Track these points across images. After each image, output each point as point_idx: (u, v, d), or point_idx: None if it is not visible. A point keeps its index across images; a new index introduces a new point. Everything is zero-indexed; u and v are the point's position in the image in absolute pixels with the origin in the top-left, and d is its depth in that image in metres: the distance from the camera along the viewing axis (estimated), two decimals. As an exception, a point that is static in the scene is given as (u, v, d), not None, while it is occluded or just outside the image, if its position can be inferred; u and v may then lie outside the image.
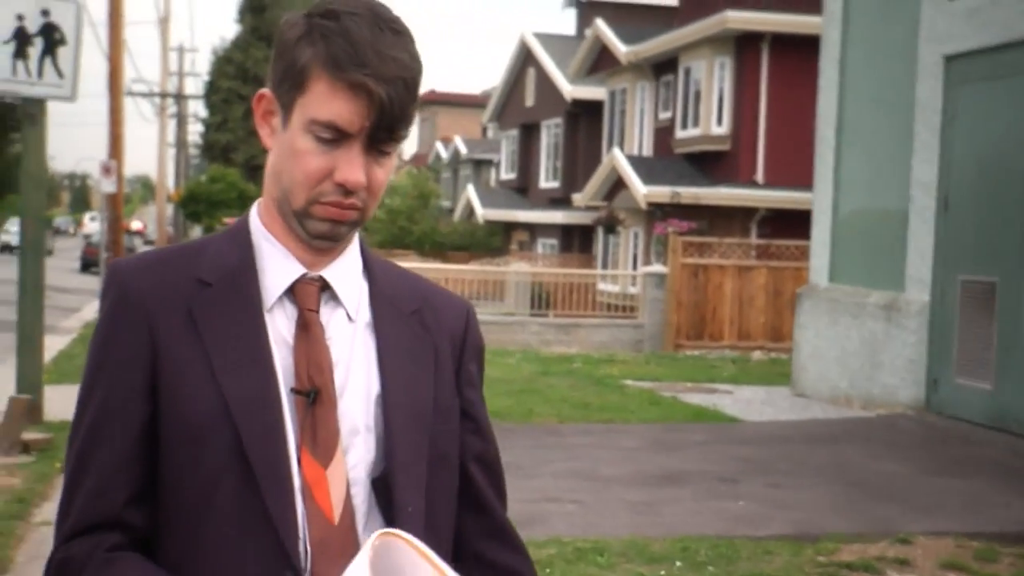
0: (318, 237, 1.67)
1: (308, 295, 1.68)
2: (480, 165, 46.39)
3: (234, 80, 52.69)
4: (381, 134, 1.61)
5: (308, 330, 1.67)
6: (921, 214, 13.18)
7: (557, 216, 33.47)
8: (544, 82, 35.43)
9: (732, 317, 21.10)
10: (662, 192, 24.37)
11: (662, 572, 6.81)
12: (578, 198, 29.69)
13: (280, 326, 1.67)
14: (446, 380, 1.76)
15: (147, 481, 1.64)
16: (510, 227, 37.33)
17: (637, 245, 27.30)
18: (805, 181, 18.61)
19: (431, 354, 1.76)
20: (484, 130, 48.87)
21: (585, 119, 33.39)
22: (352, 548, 1.60)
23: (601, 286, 26.36)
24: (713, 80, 25.12)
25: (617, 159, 26.28)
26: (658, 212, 24.64)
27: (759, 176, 24.63)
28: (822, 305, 14.91)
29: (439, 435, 1.73)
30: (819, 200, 15.32)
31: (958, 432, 11.82)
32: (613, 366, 17.67)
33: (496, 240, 36.98)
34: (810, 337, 15.09)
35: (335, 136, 1.60)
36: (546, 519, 7.87)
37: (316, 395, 1.63)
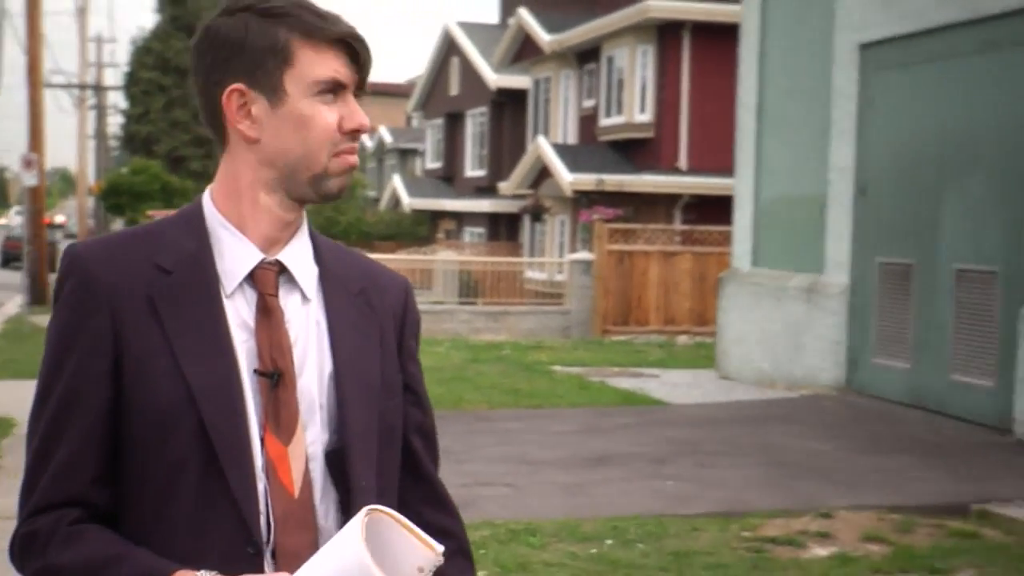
0: (335, 195, 1.79)
1: (267, 280, 1.77)
2: (405, 155, 46.35)
3: (154, 71, 52.01)
4: (363, 81, 1.79)
5: (269, 314, 1.75)
6: (839, 199, 13.51)
7: (484, 204, 33.60)
8: (468, 71, 35.51)
9: (658, 302, 21.39)
10: (587, 180, 24.60)
11: (593, 550, 6.99)
12: (504, 186, 29.86)
13: (241, 310, 1.75)
14: (391, 356, 1.87)
15: (109, 463, 1.71)
16: (436, 216, 37.39)
17: (563, 232, 27.53)
18: (728, 167, 18.94)
19: (377, 332, 1.86)
20: (409, 119, 48.83)
21: (510, 108, 33.53)
22: (311, 520, 1.73)
23: (528, 274, 26.56)
24: (636, 68, 25.40)
25: (542, 147, 26.47)
26: (584, 199, 24.88)
27: (682, 163, 24.96)
28: (745, 289, 15.21)
29: (387, 410, 1.83)
30: (740, 186, 15.61)
31: (878, 410, 12.17)
32: (542, 352, 17.86)
33: (423, 229, 37.03)
34: (734, 321, 15.39)
35: (335, 91, 1.75)
36: (479, 503, 8.01)
37: (279, 377, 1.73)
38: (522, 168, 27.77)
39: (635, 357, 17.64)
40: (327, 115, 1.75)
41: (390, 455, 1.85)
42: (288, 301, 1.79)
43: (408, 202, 36.99)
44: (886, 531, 7.61)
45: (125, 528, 1.71)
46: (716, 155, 23.62)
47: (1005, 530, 7.73)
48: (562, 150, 26.52)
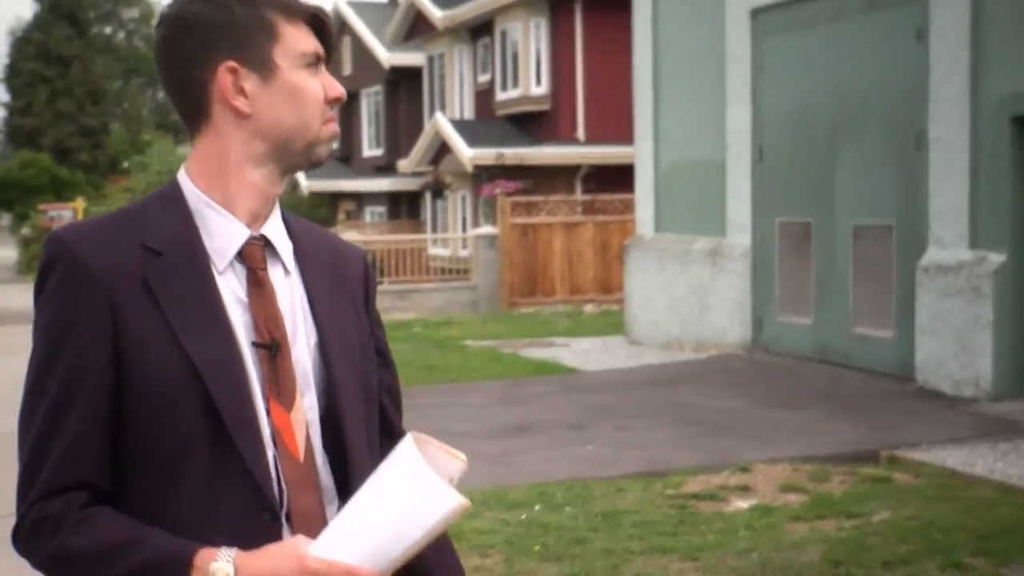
0: (323, 160, 1.90)
1: (255, 255, 1.84)
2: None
3: (37, 61, 50.79)
4: (330, 54, 1.91)
5: (261, 288, 1.83)
6: (738, 162, 13.80)
7: (383, 184, 33.49)
8: (361, 50, 35.30)
9: (563, 273, 21.60)
10: (487, 154, 24.69)
11: (523, 516, 7.13)
12: (403, 164, 29.79)
13: (233, 286, 1.82)
14: (363, 322, 1.98)
15: (112, 445, 1.74)
16: (336, 197, 37.17)
17: (465, 208, 27.60)
18: (625, 136, 19.16)
19: (350, 300, 1.96)
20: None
21: (405, 85, 33.43)
22: (315, 481, 1.82)
23: (432, 250, 26.60)
24: (530, 41, 25.51)
25: (440, 123, 26.48)
26: (484, 174, 24.96)
27: (580, 134, 25.17)
28: (650, 255, 15.47)
29: (365, 372, 1.94)
30: (640, 154, 15.84)
31: (784, 367, 12.50)
32: (452, 328, 17.96)
33: (322, 211, 36.80)
34: (640, 286, 15.64)
35: (316, 63, 1.86)
36: (406, 477, 8.08)
37: (277, 348, 1.80)
38: (421, 145, 27.75)
39: (544, 328, 17.83)
40: (315, 85, 1.86)
41: (371, 415, 1.95)
42: (273, 274, 1.87)
43: (306, 184, 36.69)
44: (802, 481, 7.88)
45: (130, 508, 1.74)
46: (613, 125, 23.86)
47: (914, 473, 8.05)
48: (460, 126, 26.56)
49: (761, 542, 6.53)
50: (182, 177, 1.87)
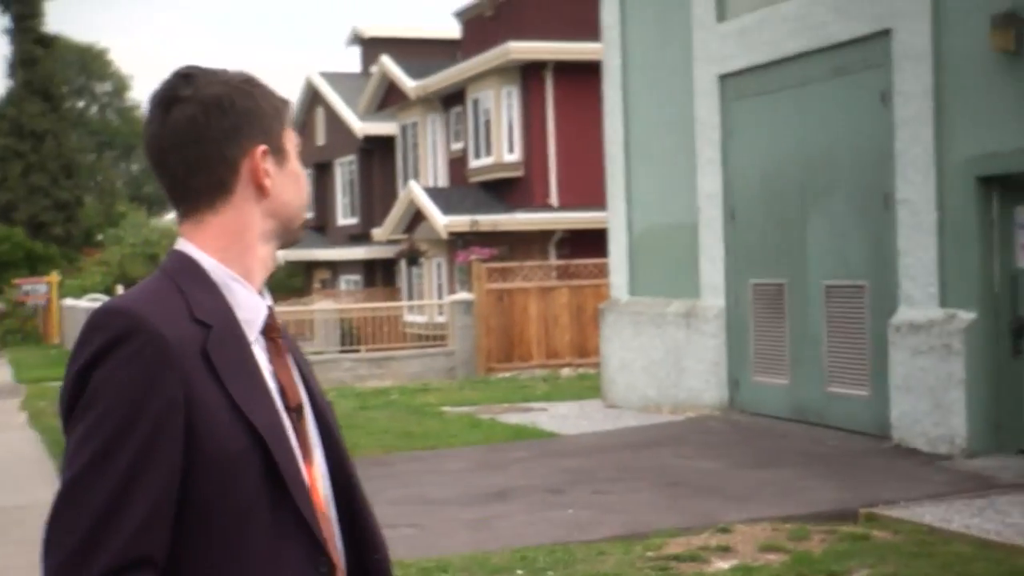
0: (300, 238, 2.06)
1: (274, 325, 1.96)
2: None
3: (10, 137, 50.79)
4: None
5: (282, 355, 1.95)
6: (710, 224, 13.96)
7: (358, 252, 33.59)
8: (334, 120, 35.56)
9: (539, 337, 21.67)
10: (461, 221, 24.85)
11: (506, 581, 7.13)
12: (378, 233, 29.92)
13: (260, 355, 1.92)
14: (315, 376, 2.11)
15: (174, 517, 1.78)
16: (311, 266, 37.24)
17: (441, 275, 27.70)
18: (598, 201, 19.34)
19: (304, 360, 2.07)
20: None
21: (379, 154, 33.66)
22: (334, 532, 1.94)
23: (408, 317, 26.65)
24: (502, 109, 25.79)
25: (415, 191, 26.66)
26: (459, 241, 25.10)
27: (553, 199, 25.38)
28: (625, 318, 15.57)
29: (337, 425, 2.07)
30: (614, 219, 16.00)
31: (761, 427, 12.57)
32: (429, 394, 17.96)
33: (297, 280, 36.85)
34: (616, 350, 15.72)
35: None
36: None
37: (301, 410, 1.93)
38: (395, 213, 27.91)
39: (522, 392, 17.86)
40: (303, 172, 2.06)
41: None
42: (284, 343, 2.00)
43: (281, 254, 36.78)
44: (782, 540, 7.92)
45: (192, 572, 1.78)
46: (586, 190, 24.09)
47: (893, 530, 8.11)
48: (434, 193, 26.75)
49: (743, 602, 6.55)
50: (193, 252, 1.93)
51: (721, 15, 13.73)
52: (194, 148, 1.91)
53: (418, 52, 32.64)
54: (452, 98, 28.28)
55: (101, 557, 1.71)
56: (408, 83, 29.07)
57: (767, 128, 13.08)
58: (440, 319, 24.86)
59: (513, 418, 14.83)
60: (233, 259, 1.93)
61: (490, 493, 9.90)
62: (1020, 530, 7.94)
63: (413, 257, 27.11)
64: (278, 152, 1.98)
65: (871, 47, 11.54)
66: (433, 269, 28.10)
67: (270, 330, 1.95)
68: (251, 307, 1.92)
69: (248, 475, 1.80)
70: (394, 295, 30.69)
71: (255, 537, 1.80)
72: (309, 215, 39.16)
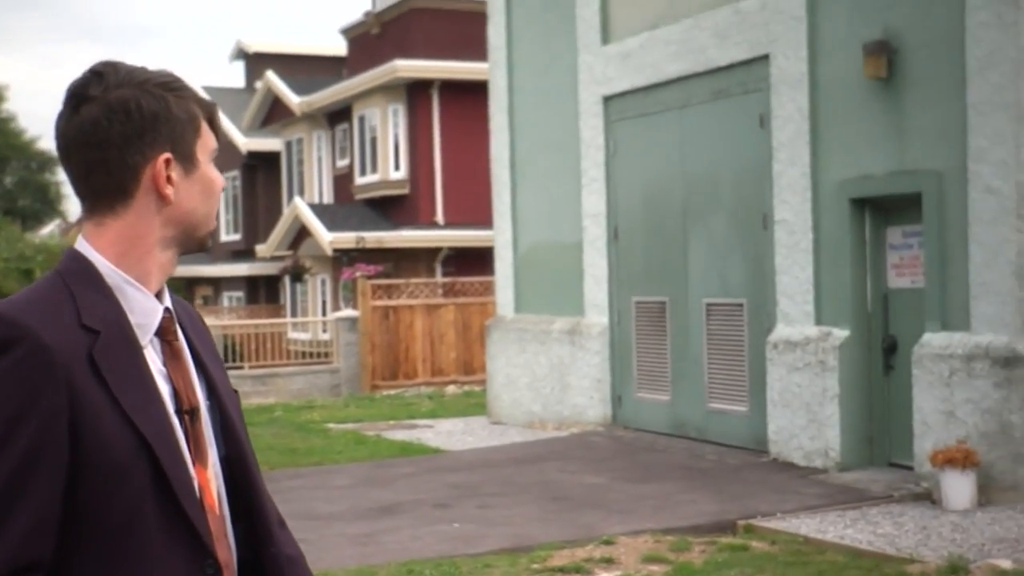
0: (206, 245, 2.06)
1: (169, 327, 1.97)
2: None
3: None
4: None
5: (178, 358, 1.97)
6: (594, 243, 14.18)
7: (241, 268, 33.23)
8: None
9: (425, 355, 21.71)
10: (347, 238, 24.79)
11: (392, 595, 7.17)
12: (262, 249, 29.65)
13: (153, 358, 1.93)
14: (224, 370, 2.13)
15: (60, 520, 1.80)
16: (192, 282, 36.69)
17: (325, 291, 27.56)
18: (484, 219, 19.48)
19: (214, 352, 2.11)
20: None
21: (263, 170, 33.37)
22: (226, 532, 1.96)
23: (292, 334, 26.46)
24: (388, 127, 25.82)
25: (299, 208, 26.51)
26: (344, 258, 25.02)
27: (439, 217, 25.47)
28: (511, 335, 15.70)
29: (241, 417, 2.09)
30: (500, 237, 16.14)
31: (644, 442, 12.79)
32: (314, 411, 17.86)
33: (179, 296, 36.26)
34: (501, 366, 15.84)
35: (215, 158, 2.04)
36: (273, 560, 8.04)
37: (195, 412, 1.95)
38: (280, 229, 27.71)
39: (407, 410, 17.86)
40: (219, 179, 2.03)
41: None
42: (181, 345, 2.01)
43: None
44: (664, 552, 8.09)
45: (78, 573, 1.80)
46: (472, 208, 24.22)
47: (770, 540, 8.35)
48: (320, 210, 26.63)
49: (626, 611, 6.69)
50: (90, 253, 1.93)
51: (605, 38, 13.99)
52: (96, 151, 1.91)
53: (303, 68, 32.50)
54: (338, 115, 28.21)
55: None
56: (293, 99, 28.92)
57: (650, 149, 13.35)
58: (324, 336, 24.74)
59: (399, 435, 14.85)
60: (131, 264, 1.94)
61: (376, 508, 9.92)
62: (890, 540, 8.24)
63: (297, 274, 26.94)
64: (186, 159, 1.96)
65: (750, 72, 11.87)
66: (318, 286, 27.95)
67: (166, 333, 1.96)
68: (144, 311, 1.93)
69: (134, 480, 1.82)
70: (278, 312, 30.43)
71: (141, 540, 1.82)
72: (191, 231, 38.58)
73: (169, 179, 1.94)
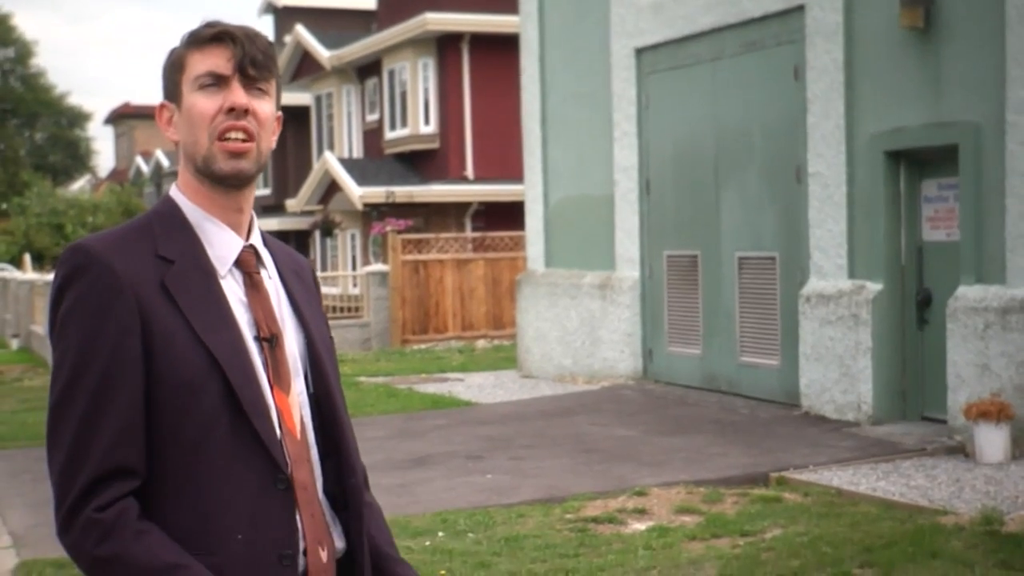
0: (227, 177, 2.05)
1: (250, 261, 2.09)
2: (185, 177, 45.38)
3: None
4: (251, 70, 2.05)
5: (258, 289, 2.09)
6: (625, 197, 14.14)
7: (271, 223, 33.27)
8: (247, 90, 35.18)
9: (455, 309, 21.75)
10: (377, 192, 24.80)
11: (427, 543, 7.24)
12: (292, 204, 29.72)
13: (234, 289, 2.06)
14: (325, 320, 2.25)
15: (144, 431, 1.94)
16: (223, 238, 36.87)
17: (355, 246, 27.62)
18: (514, 174, 19.47)
19: (317, 301, 2.24)
20: (186, 141, 47.85)
21: (292, 125, 33.35)
22: (309, 456, 2.07)
23: (323, 289, 26.51)
24: (418, 81, 25.74)
25: (330, 162, 26.52)
26: (374, 212, 25.05)
27: (469, 172, 25.43)
28: (541, 290, 15.71)
29: (335, 360, 2.23)
30: (530, 191, 16.11)
31: (675, 396, 12.81)
32: (344, 365, 17.92)
33: (292, 249, 36.46)
34: (532, 320, 15.87)
35: (216, 81, 2.04)
36: (308, 510, 8.13)
37: (275, 340, 2.06)
38: (310, 184, 27.74)
39: (438, 363, 17.94)
40: (204, 102, 2.05)
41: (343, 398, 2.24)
42: (263, 278, 2.11)
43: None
44: (696, 503, 8.12)
45: (160, 484, 1.94)
46: (502, 163, 24.18)
47: (803, 493, 8.36)
48: (350, 164, 26.64)
49: (659, 561, 6.73)
50: (177, 196, 2.11)
51: (638, -11, 13.86)
52: None
53: (333, 22, 32.41)
54: (367, 69, 28.14)
55: (84, 470, 1.91)
56: (323, 53, 28.85)
57: (682, 102, 13.27)
58: (354, 291, 24.81)
59: (430, 388, 14.92)
60: (201, 201, 2.09)
61: (409, 460, 9.99)
62: (923, 492, 8.24)
63: (328, 228, 26.99)
64: (174, 98, 2.09)
65: (784, 23, 11.76)
66: (348, 240, 28.01)
67: (246, 265, 2.08)
68: (223, 244, 2.07)
69: (206, 397, 1.94)
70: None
71: (214, 453, 1.95)
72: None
73: (170, 121, 2.10)
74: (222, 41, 2.03)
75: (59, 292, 1.98)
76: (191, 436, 1.95)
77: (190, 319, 1.96)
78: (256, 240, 2.13)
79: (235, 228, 2.09)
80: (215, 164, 2.03)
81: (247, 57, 2.03)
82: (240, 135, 2.02)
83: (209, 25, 2.06)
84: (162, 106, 2.12)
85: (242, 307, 2.05)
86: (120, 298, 1.94)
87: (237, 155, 2.03)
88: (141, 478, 1.94)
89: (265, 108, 2.07)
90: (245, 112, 2.02)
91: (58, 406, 1.95)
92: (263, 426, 1.98)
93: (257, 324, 2.05)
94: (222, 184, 2.05)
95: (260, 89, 2.07)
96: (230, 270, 2.06)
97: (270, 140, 2.09)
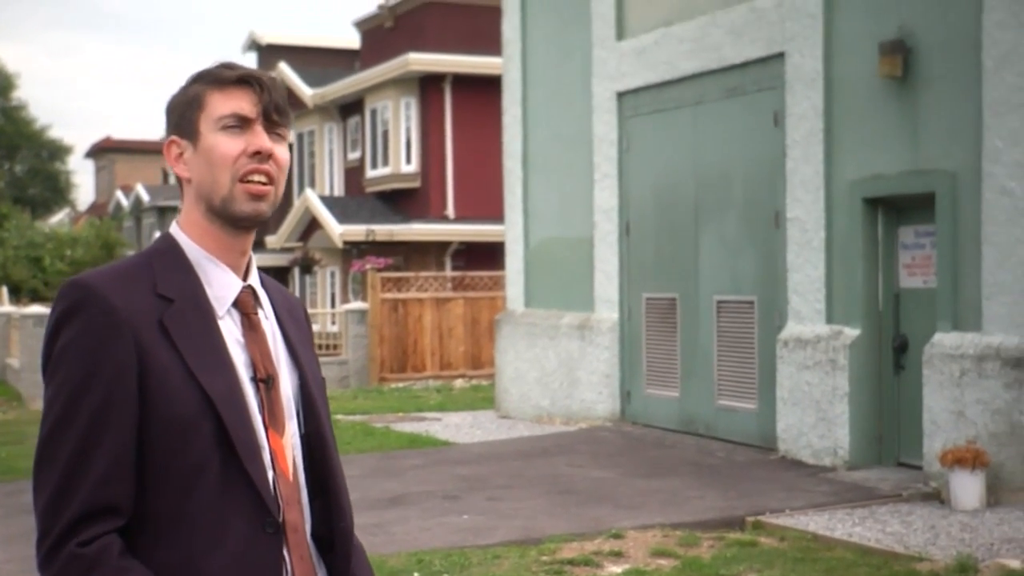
0: (245, 219, 2.07)
1: (248, 302, 2.11)
2: (164, 212, 45.42)
3: None
4: (275, 115, 2.09)
5: (255, 330, 2.10)
6: (605, 239, 14.20)
7: (250, 260, 33.29)
8: (229, 126, 35.22)
9: (433, 348, 21.74)
10: (357, 230, 24.83)
11: (402, 584, 7.20)
12: (272, 240, 29.68)
13: (231, 329, 2.07)
14: (318, 361, 2.26)
15: (135, 469, 1.94)
16: (201, 273, 36.77)
17: (335, 284, 27.60)
18: (495, 213, 19.50)
19: (309, 341, 2.25)
20: (166, 176, 47.88)
21: (273, 162, 33.42)
22: (300, 498, 2.07)
23: (301, 326, 26.46)
24: (400, 120, 25.84)
25: (311, 200, 26.55)
26: (354, 250, 25.06)
27: (450, 211, 25.49)
28: (520, 329, 15.73)
29: (327, 402, 2.23)
30: (511, 231, 16.16)
31: (652, 438, 12.81)
32: (322, 403, 17.87)
33: (284, 287, 36.38)
34: (511, 360, 15.87)
35: (239, 123, 2.06)
36: (283, 548, 8.08)
37: (271, 381, 2.06)
38: (290, 221, 27.74)
39: (415, 402, 17.90)
40: (228, 144, 2.06)
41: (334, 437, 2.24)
42: (260, 319, 2.13)
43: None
44: (672, 546, 8.11)
45: (148, 526, 1.94)
46: (483, 202, 24.25)
47: (779, 537, 8.36)
48: (330, 202, 26.67)
49: (635, 604, 6.71)
50: (177, 233, 2.11)
51: (620, 34, 13.99)
52: None
53: (316, 60, 32.51)
54: (350, 107, 28.24)
55: (71, 506, 1.91)
56: (306, 91, 28.94)
57: (663, 145, 13.36)
58: (333, 328, 24.78)
59: (407, 427, 14.88)
60: (205, 241, 2.09)
61: (386, 499, 9.94)
62: (898, 538, 8.25)
63: (307, 265, 26.98)
64: (190, 135, 2.08)
65: (765, 69, 11.88)
66: (327, 278, 27.99)
67: (244, 306, 2.09)
68: (222, 284, 2.08)
69: (199, 437, 1.94)
70: (287, 304, 30.46)
71: (205, 495, 1.94)
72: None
73: (180, 157, 2.09)
74: (248, 85, 2.07)
75: (56, 327, 1.98)
76: (182, 476, 1.95)
77: (187, 359, 1.97)
78: (254, 280, 2.14)
79: (235, 269, 2.10)
80: (235, 205, 2.05)
81: (272, 103, 2.09)
82: (263, 178, 2.06)
83: (229, 67, 2.10)
84: (172, 141, 2.11)
85: (239, 348, 2.05)
86: (119, 336, 1.94)
87: (258, 198, 2.06)
88: (127, 517, 1.93)
89: (284, 153, 2.11)
90: (269, 156, 2.06)
91: (49, 440, 1.95)
92: (255, 469, 1.98)
93: (254, 365, 2.05)
94: (237, 225, 2.07)
95: (279, 135, 2.11)
96: (228, 310, 2.08)
97: (283, 184, 2.13)
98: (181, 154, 2.09)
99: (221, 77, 2.08)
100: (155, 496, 1.94)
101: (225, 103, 2.06)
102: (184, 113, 2.09)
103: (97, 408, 1.92)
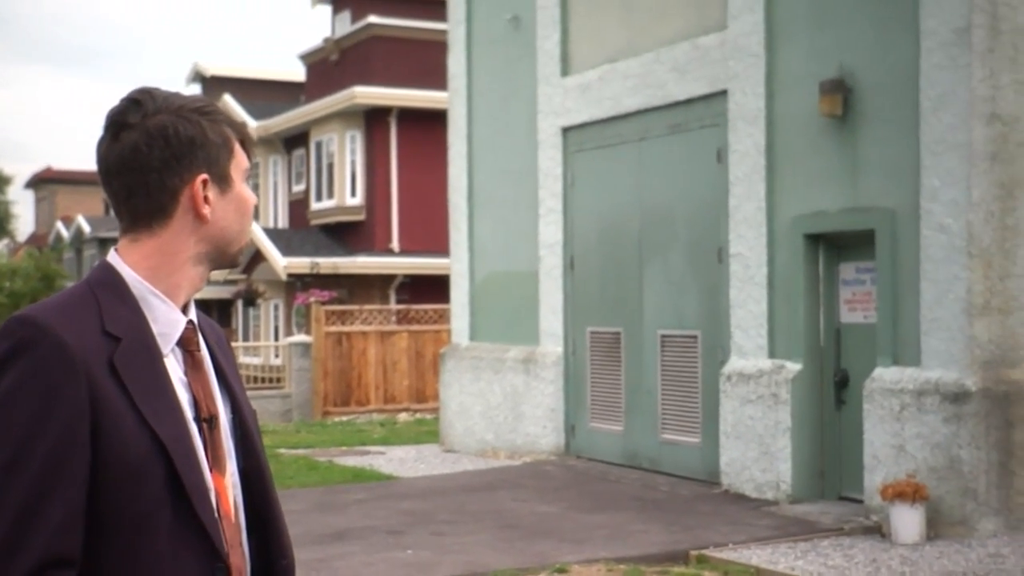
0: (238, 261, 2.14)
1: (192, 339, 2.06)
2: (105, 243, 44.95)
3: None
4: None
5: (199, 368, 2.05)
6: (550, 273, 14.25)
7: (193, 292, 33.04)
8: (172, 157, 35.02)
9: (377, 382, 21.65)
10: (301, 263, 24.73)
11: (346, 620, 7.14)
12: (215, 272, 29.50)
13: (174, 367, 2.01)
14: (245, 391, 2.22)
15: (84, 517, 1.86)
16: (143, 305, 36.41)
17: (278, 316, 27.44)
18: (440, 247, 19.52)
19: (236, 370, 2.21)
20: (107, 207, 47.43)
21: (217, 193, 33.27)
22: (241, 540, 2.04)
23: (244, 359, 26.30)
24: (345, 153, 25.83)
25: (255, 232, 26.39)
26: (298, 283, 24.95)
27: (395, 244, 25.47)
28: (465, 363, 15.71)
29: (259, 435, 2.19)
30: (456, 265, 16.17)
31: (597, 472, 12.83)
32: (265, 436, 17.71)
33: (208, 317, 35.97)
34: (455, 394, 15.84)
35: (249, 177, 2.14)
36: (224, 585, 7.99)
37: (214, 421, 2.03)
38: (233, 254, 27.57)
39: (359, 436, 17.80)
40: (252, 197, 2.12)
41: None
42: (202, 356, 2.09)
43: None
44: (617, 580, 8.12)
45: (93, 570, 1.87)
46: (428, 236, 24.26)
47: (722, 571, 8.40)
48: (274, 234, 26.56)
49: (579, 639, 6.70)
50: (119, 266, 2.02)
51: (565, 70, 14.10)
52: (136, 175, 2.00)
53: (261, 93, 32.46)
54: (295, 140, 28.19)
55: (24, 557, 1.81)
56: (251, 123, 28.85)
57: (607, 180, 13.45)
58: (276, 361, 24.62)
59: (351, 461, 14.79)
60: (161, 277, 2.02)
61: (329, 534, 9.87)
62: (840, 571, 8.32)
63: (250, 298, 26.80)
64: (221, 180, 2.05)
65: (708, 107, 12.02)
66: (271, 310, 27.82)
67: (188, 343, 2.04)
68: (168, 321, 2.01)
69: (150, 483, 1.89)
70: (230, 336, 30.23)
71: (155, 541, 1.90)
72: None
73: (206, 199, 2.03)
74: (247, 137, 2.13)
75: (2, 365, 1.86)
76: (133, 521, 1.89)
77: (137, 403, 1.90)
78: (192, 315, 2.10)
79: (183, 306, 2.06)
80: (240, 253, 2.11)
81: (251, 157, 2.19)
82: None
83: (242, 124, 2.13)
84: (205, 180, 2.03)
85: (183, 387, 2.01)
86: (73, 376, 1.86)
87: None
88: (77, 569, 1.86)
89: None
90: None
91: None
92: (205, 512, 1.94)
93: (197, 404, 2.01)
94: (229, 267, 2.13)
95: None
96: (172, 348, 2.02)
97: None
98: (205, 194, 2.04)
99: (237, 126, 2.11)
100: (105, 545, 1.88)
101: (243, 156, 2.11)
102: (217, 154, 2.05)
103: (51, 452, 1.83)
